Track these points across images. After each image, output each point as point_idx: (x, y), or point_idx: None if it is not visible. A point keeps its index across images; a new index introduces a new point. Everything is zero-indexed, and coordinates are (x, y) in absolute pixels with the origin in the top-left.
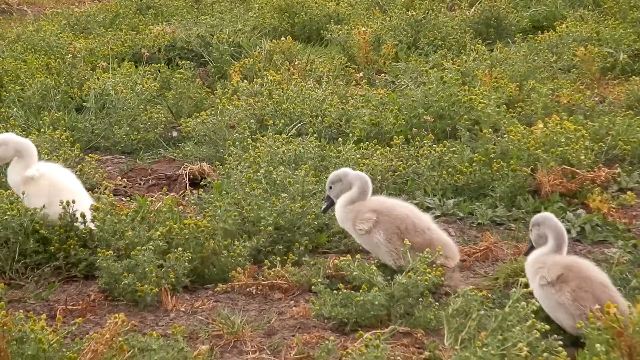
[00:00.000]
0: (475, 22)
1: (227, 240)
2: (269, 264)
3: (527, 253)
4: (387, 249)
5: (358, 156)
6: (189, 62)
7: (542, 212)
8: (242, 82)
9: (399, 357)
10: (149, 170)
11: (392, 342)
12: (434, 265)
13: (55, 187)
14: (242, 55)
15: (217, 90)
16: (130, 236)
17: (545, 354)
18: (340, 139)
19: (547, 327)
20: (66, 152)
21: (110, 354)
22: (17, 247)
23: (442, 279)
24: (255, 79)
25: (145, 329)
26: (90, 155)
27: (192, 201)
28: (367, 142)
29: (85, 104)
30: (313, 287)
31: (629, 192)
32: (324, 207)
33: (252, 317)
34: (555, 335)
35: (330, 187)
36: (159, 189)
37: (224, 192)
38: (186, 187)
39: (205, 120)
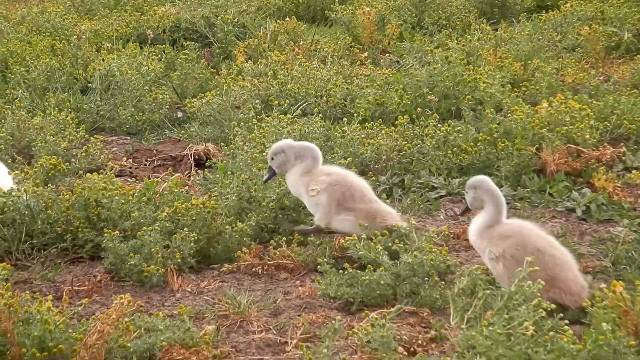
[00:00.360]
0: (480, 2)
1: (231, 218)
2: (275, 243)
3: (462, 214)
4: (325, 209)
5: (363, 136)
6: (193, 42)
7: (546, 191)
8: (247, 62)
9: (405, 337)
10: (154, 151)
11: (398, 321)
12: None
13: None
14: (247, 36)
15: (221, 70)
16: (137, 217)
17: (551, 333)
18: (345, 119)
19: (553, 306)
20: (71, 134)
21: (116, 335)
22: (24, 228)
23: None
24: (259, 60)
25: (151, 310)
26: (95, 136)
27: (198, 181)
28: (372, 122)
29: (90, 85)
30: (319, 266)
31: (634, 171)
32: (265, 177)
33: (258, 297)
34: (562, 314)
35: (272, 159)
36: (164, 169)
37: (229, 172)
38: (191, 168)
39: (210, 101)
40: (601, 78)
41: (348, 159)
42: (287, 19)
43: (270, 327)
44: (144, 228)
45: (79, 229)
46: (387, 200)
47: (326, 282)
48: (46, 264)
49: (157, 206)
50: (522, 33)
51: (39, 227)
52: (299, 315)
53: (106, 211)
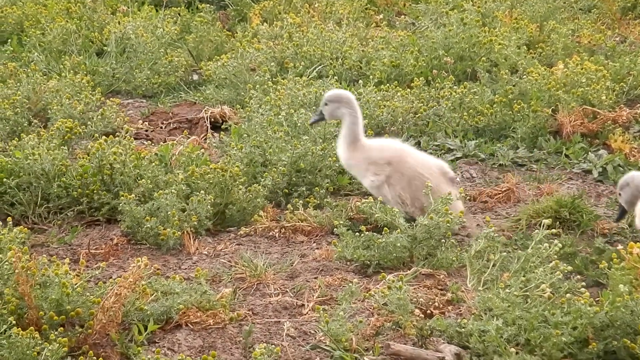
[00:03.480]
0: None
1: (244, 179)
2: (292, 207)
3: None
4: None
5: (379, 98)
6: (209, 5)
7: (563, 153)
8: (262, 25)
9: (421, 299)
10: (170, 114)
11: (415, 283)
12: None
13: None
14: None
15: (237, 33)
16: (151, 180)
17: (568, 295)
18: (360, 81)
19: (570, 268)
20: (87, 97)
21: (133, 298)
22: (40, 192)
23: None
24: (275, 22)
25: (168, 273)
26: (111, 99)
27: (214, 144)
28: (388, 84)
29: (105, 48)
30: (335, 229)
31: None
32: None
33: (274, 260)
34: (578, 276)
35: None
36: (180, 132)
37: (245, 135)
38: (207, 131)
39: (225, 64)
40: (617, 39)
41: (364, 121)
42: None
43: (287, 289)
44: (160, 191)
45: (94, 192)
46: None
47: (343, 245)
48: (63, 227)
49: (171, 170)
50: None
51: (55, 190)
52: (315, 278)
53: (119, 175)
